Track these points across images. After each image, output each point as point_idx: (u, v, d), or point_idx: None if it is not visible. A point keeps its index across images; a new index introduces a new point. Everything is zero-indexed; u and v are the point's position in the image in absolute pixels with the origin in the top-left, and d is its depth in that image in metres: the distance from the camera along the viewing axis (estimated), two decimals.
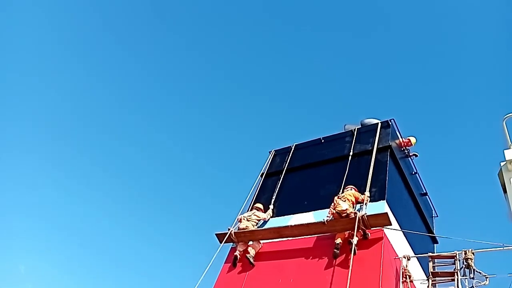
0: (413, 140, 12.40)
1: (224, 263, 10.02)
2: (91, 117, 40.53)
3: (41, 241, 36.89)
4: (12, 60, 35.25)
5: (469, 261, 7.95)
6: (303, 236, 9.24)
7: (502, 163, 8.40)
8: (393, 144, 10.97)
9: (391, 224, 8.44)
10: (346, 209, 8.57)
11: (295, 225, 9.37)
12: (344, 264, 8.09)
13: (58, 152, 39.20)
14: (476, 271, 7.88)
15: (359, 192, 9.29)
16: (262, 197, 11.57)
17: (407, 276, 8.27)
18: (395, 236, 8.95)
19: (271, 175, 12.40)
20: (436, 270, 8.80)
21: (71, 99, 39.41)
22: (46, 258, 36.68)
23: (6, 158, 35.55)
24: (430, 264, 8.91)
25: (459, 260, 8.30)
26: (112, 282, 35.32)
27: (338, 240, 8.45)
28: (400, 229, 9.38)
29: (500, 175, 8.40)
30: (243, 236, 9.83)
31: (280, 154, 13.05)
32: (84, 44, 39.38)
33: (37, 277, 33.97)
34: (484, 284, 7.77)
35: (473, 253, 8.02)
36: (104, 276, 36.26)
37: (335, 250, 8.34)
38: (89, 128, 40.37)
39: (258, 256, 9.59)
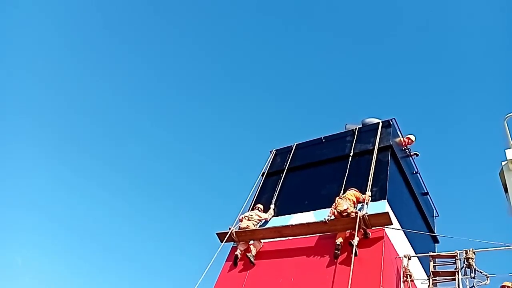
0: (412, 137, 12.38)
1: (225, 262, 10.03)
2: (96, 115, 40.78)
3: (39, 234, 37.05)
4: (17, 60, 35.50)
5: (470, 261, 7.94)
6: (303, 235, 9.24)
7: (503, 163, 8.37)
8: (394, 143, 10.96)
9: (392, 224, 8.44)
10: (347, 208, 8.57)
11: (295, 225, 9.37)
12: (345, 264, 8.10)
13: (60, 149, 39.57)
14: (477, 271, 7.88)
15: (360, 192, 9.29)
16: (263, 197, 11.57)
17: (408, 276, 8.27)
18: (396, 236, 8.95)
19: (272, 174, 12.40)
20: (437, 270, 8.79)
21: (77, 98, 39.77)
22: (45, 251, 36.88)
23: (7, 152, 35.72)
24: (431, 263, 8.91)
25: (460, 260, 8.30)
26: (112, 277, 35.41)
27: (339, 240, 8.44)
28: (401, 228, 9.38)
29: (501, 174, 8.37)
30: (244, 235, 9.84)
31: (281, 153, 13.04)
32: (89, 43, 39.68)
33: (34, 270, 34.06)
34: (485, 284, 7.76)
35: (474, 253, 8.02)
36: (104, 271, 36.40)
37: (335, 251, 8.36)
38: (93, 126, 40.58)
39: (259, 255, 9.60)
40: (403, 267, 8.45)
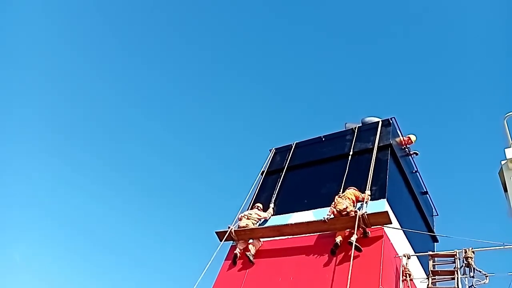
0: (413, 138, 12.39)
1: (224, 261, 10.03)
2: (97, 113, 40.86)
3: (37, 231, 37.02)
4: (18, 58, 35.54)
5: (469, 260, 7.93)
6: (303, 234, 9.24)
7: (502, 162, 8.38)
8: (393, 142, 10.96)
9: (391, 223, 8.43)
10: (347, 207, 8.57)
11: (295, 223, 9.37)
12: (344, 262, 8.09)
13: (60, 146, 39.53)
14: (476, 270, 7.87)
15: (360, 191, 9.28)
16: (263, 196, 11.56)
17: (407, 275, 8.26)
18: (395, 235, 8.94)
19: (271, 173, 12.39)
20: (436, 269, 8.77)
21: (78, 96, 39.85)
22: (43, 248, 36.96)
23: (7, 150, 35.76)
24: (430, 262, 8.89)
25: (459, 259, 8.28)
26: (112, 275, 35.47)
27: (339, 239, 8.45)
28: (400, 227, 9.37)
29: (501, 173, 8.38)
30: (243, 234, 9.83)
31: (281, 152, 13.04)
32: (90, 42, 39.67)
33: (33, 267, 34.10)
34: (484, 283, 7.75)
35: (473, 252, 8.01)
36: (103, 269, 36.46)
37: (333, 248, 8.36)
38: (94, 124, 40.67)
39: (258, 254, 9.59)
40: (402, 266, 8.45)
